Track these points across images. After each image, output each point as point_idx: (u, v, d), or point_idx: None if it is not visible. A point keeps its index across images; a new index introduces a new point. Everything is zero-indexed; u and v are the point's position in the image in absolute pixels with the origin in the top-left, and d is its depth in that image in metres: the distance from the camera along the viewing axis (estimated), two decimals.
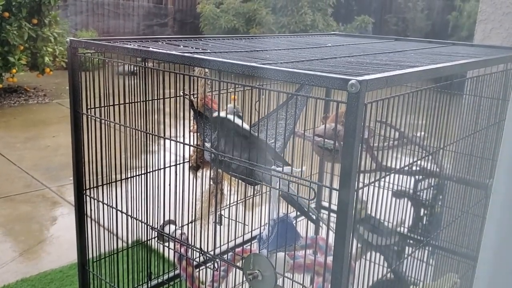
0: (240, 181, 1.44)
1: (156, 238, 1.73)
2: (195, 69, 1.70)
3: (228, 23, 8.97)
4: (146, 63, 1.48)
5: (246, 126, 1.49)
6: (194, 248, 1.49)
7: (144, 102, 1.53)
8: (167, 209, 1.56)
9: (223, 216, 1.66)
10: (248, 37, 2.00)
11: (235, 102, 1.42)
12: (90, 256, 1.75)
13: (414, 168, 1.64)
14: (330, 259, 1.07)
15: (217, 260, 1.44)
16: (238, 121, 1.45)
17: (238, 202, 1.89)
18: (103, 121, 1.60)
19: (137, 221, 1.64)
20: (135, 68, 1.57)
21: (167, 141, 1.48)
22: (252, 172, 1.34)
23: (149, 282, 1.77)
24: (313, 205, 2.58)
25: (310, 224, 2.53)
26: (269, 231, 1.42)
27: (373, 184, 1.16)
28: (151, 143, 1.56)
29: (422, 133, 1.52)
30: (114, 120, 1.58)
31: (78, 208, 1.72)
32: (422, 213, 1.75)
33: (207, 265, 1.49)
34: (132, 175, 1.75)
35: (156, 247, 1.72)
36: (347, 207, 0.98)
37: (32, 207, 3.60)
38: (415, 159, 1.50)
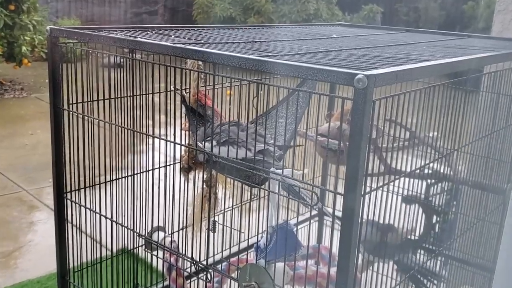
0: (236, 184, 1.44)
1: (143, 246, 1.72)
2: (188, 62, 1.70)
3: (224, 11, 8.97)
4: (134, 55, 1.47)
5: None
6: (185, 258, 1.49)
7: (131, 97, 1.53)
8: (155, 215, 1.56)
9: (217, 223, 1.66)
10: (245, 27, 2.00)
11: (231, 98, 1.42)
12: (71, 265, 1.75)
13: (425, 171, 1.64)
14: (334, 270, 1.07)
15: (210, 270, 1.44)
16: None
17: (234, 207, 1.89)
18: (86, 117, 1.60)
19: (123, 227, 1.64)
20: (121, 60, 1.57)
21: (156, 140, 1.48)
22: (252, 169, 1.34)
23: None
24: (315, 211, 2.58)
25: (312, 232, 2.53)
26: (267, 239, 1.42)
27: (381, 188, 1.16)
28: (138, 142, 1.56)
29: (435, 133, 1.52)
30: (98, 116, 1.58)
31: (58, 213, 1.72)
32: (434, 221, 1.76)
33: (199, 276, 1.49)
34: (117, 177, 1.74)
35: (143, 256, 1.72)
36: (353, 213, 0.98)
37: (7, 211, 3.59)
38: (427, 162, 1.50)
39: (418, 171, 1.43)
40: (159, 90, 1.64)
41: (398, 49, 1.57)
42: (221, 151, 1.41)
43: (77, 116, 1.63)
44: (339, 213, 1.02)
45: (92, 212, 1.67)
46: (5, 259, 3.01)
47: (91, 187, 1.70)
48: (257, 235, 1.50)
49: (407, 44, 1.71)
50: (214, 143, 1.44)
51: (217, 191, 1.81)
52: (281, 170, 1.25)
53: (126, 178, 1.66)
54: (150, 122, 1.53)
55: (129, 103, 1.56)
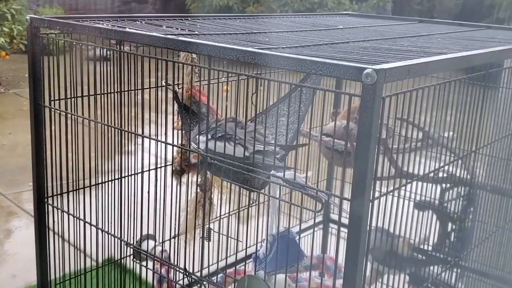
0: (233, 188, 1.44)
1: (131, 256, 1.72)
2: (181, 55, 1.70)
3: (220, 0, 8.97)
4: (122, 47, 1.47)
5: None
6: (177, 269, 1.49)
7: (118, 94, 1.52)
8: (145, 222, 1.56)
9: (212, 230, 1.66)
10: (243, 17, 2.00)
11: (228, 94, 1.42)
12: (53, 277, 1.74)
13: (440, 174, 1.64)
14: (339, 282, 1.07)
15: (205, 283, 1.44)
16: None
17: (231, 213, 1.89)
18: (69, 115, 1.60)
19: (109, 235, 1.64)
20: (108, 53, 1.57)
21: (146, 140, 1.48)
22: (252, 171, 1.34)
23: None
24: (320, 218, 2.59)
25: (316, 241, 2.53)
26: (267, 249, 1.42)
27: (391, 193, 1.16)
28: (126, 142, 1.55)
29: (451, 133, 1.52)
30: (83, 114, 1.58)
31: (39, 220, 1.72)
32: (449, 229, 1.76)
33: None
34: (104, 181, 1.74)
35: (131, 266, 1.72)
36: (361, 220, 0.98)
37: None
38: (441, 164, 1.50)
39: (432, 174, 1.43)
40: (149, 85, 1.64)
41: (411, 41, 1.57)
42: (217, 146, 1.41)
43: (59, 113, 1.62)
44: (345, 220, 1.02)
45: (75, 218, 1.67)
46: None
47: (74, 192, 1.69)
48: (256, 244, 1.50)
49: (420, 36, 1.71)
50: (209, 137, 1.44)
51: (212, 195, 1.81)
52: (283, 173, 1.25)
53: (113, 181, 1.66)
54: (140, 120, 1.53)
55: (116, 99, 1.56)
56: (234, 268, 1.81)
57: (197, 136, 1.45)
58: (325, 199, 1.24)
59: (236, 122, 1.44)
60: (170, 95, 1.55)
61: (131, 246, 1.65)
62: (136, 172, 1.68)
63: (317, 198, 1.24)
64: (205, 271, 1.47)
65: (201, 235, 1.57)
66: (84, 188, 1.71)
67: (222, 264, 1.70)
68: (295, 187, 1.22)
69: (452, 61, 1.18)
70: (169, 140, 1.44)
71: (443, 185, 1.69)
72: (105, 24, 1.51)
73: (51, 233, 1.72)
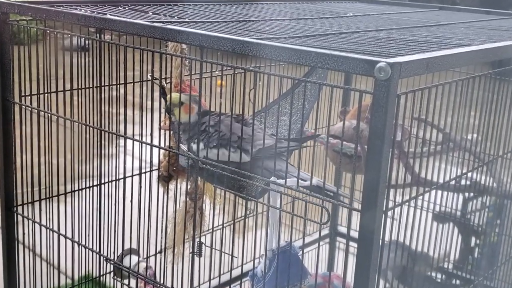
0: (228, 197, 1.44)
1: (112, 273, 1.72)
2: (169, 45, 1.70)
3: None
4: (102, 36, 1.47)
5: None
6: (164, 287, 1.49)
7: (98, 89, 1.52)
8: (127, 234, 1.56)
9: (203, 245, 1.66)
10: (240, 2, 2.00)
11: (222, 90, 1.42)
12: None
13: (463, 182, 1.64)
14: None
15: None
16: None
17: (225, 225, 1.89)
18: (42, 113, 1.60)
19: (87, 249, 1.63)
20: (87, 42, 1.57)
21: (129, 142, 1.48)
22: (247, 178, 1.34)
23: None
24: (326, 231, 2.59)
25: (322, 257, 2.53)
26: (265, 266, 1.42)
27: (407, 203, 1.16)
28: (107, 143, 1.55)
29: (474, 135, 1.52)
30: (58, 112, 1.58)
31: (7, 231, 1.71)
32: (473, 244, 1.76)
33: None
34: (81, 187, 1.74)
35: (111, 285, 1.72)
36: (373, 234, 0.98)
37: None
38: (464, 171, 1.50)
39: (453, 182, 1.43)
40: (133, 79, 1.64)
41: (430, 31, 1.57)
42: (210, 154, 1.41)
43: (31, 111, 1.62)
44: (355, 234, 1.02)
45: (49, 230, 1.67)
46: None
47: (48, 200, 1.69)
48: (254, 261, 1.49)
49: (440, 25, 1.71)
50: (202, 146, 1.44)
51: (203, 205, 1.81)
52: (284, 179, 1.25)
53: (92, 188, 1.66)
54: (122, 119, 1.53)
55: (95, 95, 1.56)
56: (228, 287, 1.81)
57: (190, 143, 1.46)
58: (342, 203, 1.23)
59: (231, 118, 1.44)
60: (156, 90, 1.55)
61: (112, 262, 1.65)
62: (117, 178, 1.68)
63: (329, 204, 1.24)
64: None
65: (190, 250, 1.56)
66: (58, 195, 1.71)
67: (214, 283, 1.71)
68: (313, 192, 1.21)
69: (476, 53, 1.18)
70: (155, 142, 1.44)
71: (466, 194, 1.69)
72: (83, 10, 1.51)
73: (20, 246, 1.72)
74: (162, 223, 1.48)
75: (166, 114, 1.59)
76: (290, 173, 1.33)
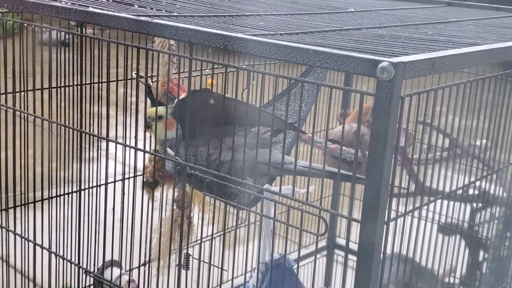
0: (218, 205, 1.44)
1: (91, 287, 1.72)
2: (155, 41, 1.70)
3: None
4: (84, 30, 1.47)
5: None
6: None
7: (79, 87, 1.52)
8: (108, 245, 1.56)
9: (191, 257, 1.65)
10: None
11: (212, 89, 1.42)
12: None
13: (470, 191, 1.64)
14: None
15: None
16: None
17: (214, 236, 1.88)
18: (18, 113, 1.59)
19: (65, 260, 1.63)
20: (67, 37, 1.57)
21: (112, 145, 1.48)
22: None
23: None
24: (323, 243, 2.59)
25: (319, 270, 2.53)
26: (258, 280, 1.41)
27: (411, 213, 1.16)
28: (88, 146, 1.55)
29: (484, 141, 1.52)
30: (35, 112, 1.58)
31: None
32: (481, 258, 1.76)
33: None
34: (59, 194, 1.74)
35: None
36: (373, 246, 0.98)
37: None
38: (472, 179, 1.50)
39: (460, 191, 1.44)
40: (117, 77, 1.64)
41: (436, 28, 1.57)
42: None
43: (6, 110, 1.62)
44: (354, 246, 1.02)
45: (23, 239, 1.67)
46: None
47: (23, 206, 1.69)
48: (245, 274, 1.49)
49: (448, 22, 1.72)
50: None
51: (191, 214, 1.81)
52: (279, 187, 1.25)
53: (71, 195, 1.66)
54: (104, 120, 1.52)
55: (76, 94, 1.55)
56: None
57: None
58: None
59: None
60: (142, 89, 1.55)
61: (91, 275, 1.64)
62: (98, 183, 1.68)
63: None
64: None
65: (177, 262, 1.56)
66: (34, 202, 1.71)
67: None
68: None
69: (486, 53, 1.19)
70: (140, 145, 1.43)
71: (474, 205, 1.70)
72: (63, 2, 1.50)
73: None
74: (146, 233, 1.48)
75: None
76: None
